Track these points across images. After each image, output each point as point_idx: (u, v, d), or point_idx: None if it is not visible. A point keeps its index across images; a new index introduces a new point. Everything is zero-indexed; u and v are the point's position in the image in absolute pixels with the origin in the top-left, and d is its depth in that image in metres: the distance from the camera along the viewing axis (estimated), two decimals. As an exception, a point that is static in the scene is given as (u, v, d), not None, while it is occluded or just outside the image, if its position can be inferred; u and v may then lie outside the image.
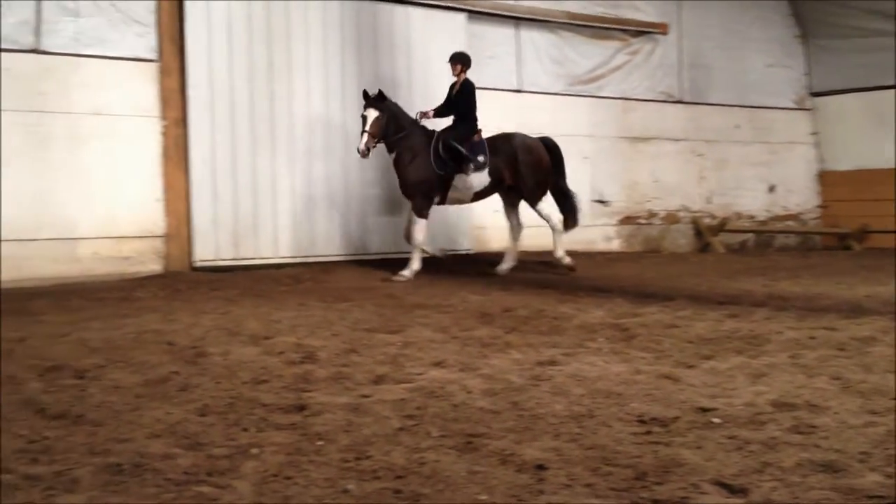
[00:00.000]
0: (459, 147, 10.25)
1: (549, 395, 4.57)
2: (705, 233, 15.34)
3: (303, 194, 11.26)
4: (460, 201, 10.93)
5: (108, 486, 3.20)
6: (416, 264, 10.31)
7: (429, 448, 3.69)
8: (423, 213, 10.35)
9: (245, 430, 3.96)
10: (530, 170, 10.75)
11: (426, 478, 3.33)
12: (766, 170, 16.14)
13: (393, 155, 10.40)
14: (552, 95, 13.79)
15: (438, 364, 5.38)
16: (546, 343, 6.07)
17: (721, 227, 15.40)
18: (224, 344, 6.02)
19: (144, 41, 10.37)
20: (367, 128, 9.96)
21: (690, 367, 5.28)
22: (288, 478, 3.33)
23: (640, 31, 14.69)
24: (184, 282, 9.67)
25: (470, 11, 12.76)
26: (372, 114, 9.99)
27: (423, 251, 10.48)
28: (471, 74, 10.45)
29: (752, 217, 16.11)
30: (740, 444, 3.67)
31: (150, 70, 10.42)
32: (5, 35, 9.46)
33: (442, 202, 10.66)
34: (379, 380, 4.98)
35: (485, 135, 10.61)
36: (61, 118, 9.70)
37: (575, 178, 13.75)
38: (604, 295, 8.51)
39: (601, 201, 14.24)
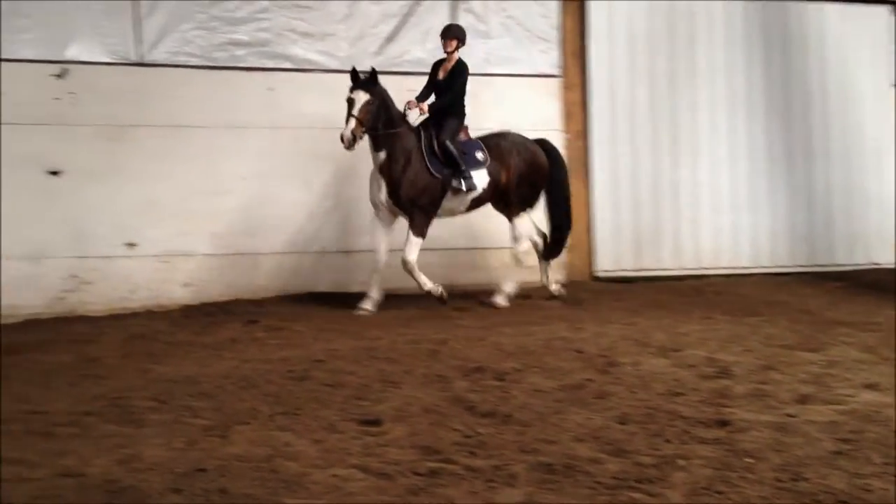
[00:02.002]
0: (453, 151, 8.53)
1: None
2: None
3: (710, 203, 10.97)
4: (454, 212, 8.95)
5: (543, 484, 3.31)
6: (428, 285, 8.58)
7: (871, 475, 3.42)
8: (423, 231, 8.54)
9: (668, 441, 3.92)
10: (524, 171, 8.94)
11: (875, 506, 3.05)
12: None
13: (381, 154, 8.49)
14: None
15: (871, 386, 4.95)
16: None
17: None
18: (633, 354, 6.01)
19: (548, 57, 10.71)
20: (355, 112, 8.19)
21: None
22: (719, 492, 3.25)
23: None
24: (587, 291, 9.80)
25: (896, 4, 11.66)
26: (361, 97, 8.24)
27: (423, 287, 8.60)
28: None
29: None
30: None
31: (554, 85, 10.74)
32: (423, 60, 10.24)
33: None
34: (804, 399, 4.69)
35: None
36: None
37: None
38: None
39: None
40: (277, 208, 9.57)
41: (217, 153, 9.38)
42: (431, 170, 8.52)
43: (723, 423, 4.17)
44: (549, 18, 10.68)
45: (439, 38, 8.91)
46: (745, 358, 5.82)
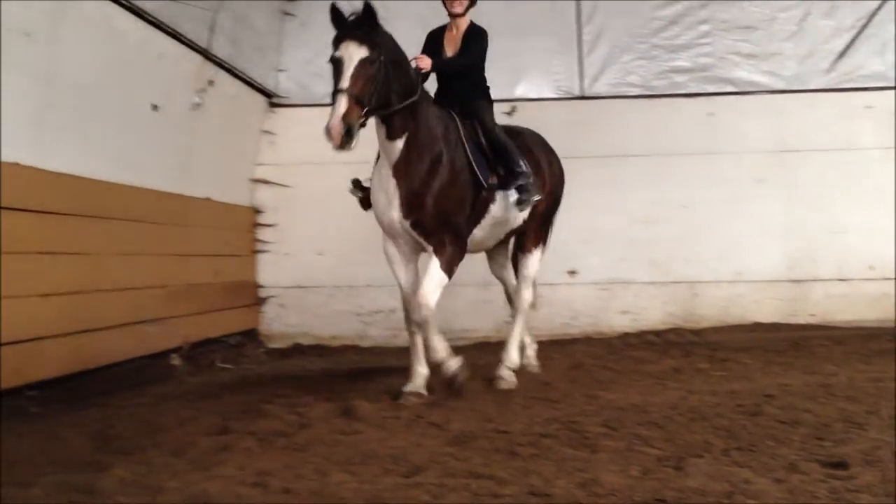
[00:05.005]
0: (508, 146, 5.83)
1: None
2: None
3: None
4: (482, 245, 6.21)
5: None
6: (441, 353, 5.51)
7: None
8: (453, 265, 5.49)
9: None
10: (554, 186, 6.59)
11: None
12: None
13: (398, 144, 5.37)
14: None
15: None
16: None
17: None
18: None
19: None
20: (345, 84, 4.86)
21: None
22: None
23: None
24: None
25: None
26: (354, 53, 4.93)
27: (433, 355, 5.56)
28: None
29: None
30: None
31: None
32: (881, 74, 9.40)
33: None
34: None
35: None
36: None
37: None
38: None
39: None
40: (717, 236, 9.36)
41: (656, 181, 9.42)
42: (478, 173, 5.66)
43: None
44: None
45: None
46: None
